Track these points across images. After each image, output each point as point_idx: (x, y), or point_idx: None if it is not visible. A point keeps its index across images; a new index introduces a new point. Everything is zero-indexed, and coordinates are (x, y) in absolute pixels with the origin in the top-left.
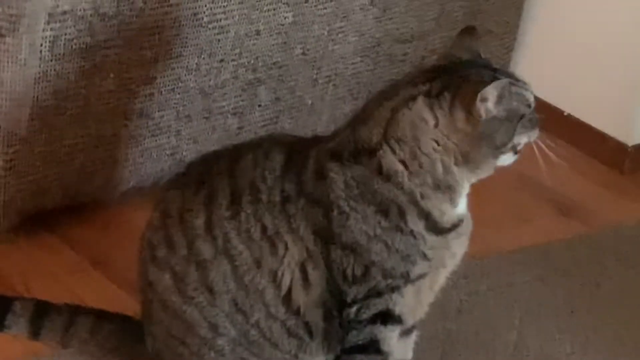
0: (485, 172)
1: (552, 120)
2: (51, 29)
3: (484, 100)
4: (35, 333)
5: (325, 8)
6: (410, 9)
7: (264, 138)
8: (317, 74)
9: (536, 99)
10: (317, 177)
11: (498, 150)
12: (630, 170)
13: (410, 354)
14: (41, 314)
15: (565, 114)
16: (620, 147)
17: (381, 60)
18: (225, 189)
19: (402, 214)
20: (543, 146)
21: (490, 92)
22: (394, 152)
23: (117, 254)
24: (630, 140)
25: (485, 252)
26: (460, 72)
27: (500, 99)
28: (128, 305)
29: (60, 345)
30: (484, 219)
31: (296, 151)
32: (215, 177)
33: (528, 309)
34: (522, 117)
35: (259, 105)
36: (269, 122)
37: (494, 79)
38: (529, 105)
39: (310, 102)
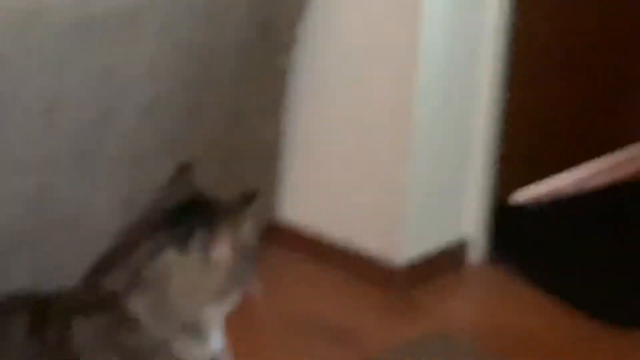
0: (236, 299)
1: (319, 250)
2: None
3: (245, 228)
4: None
5: None
6: None
7: (9, 298)
8: None
9: (302, 230)
10: (61, 335)
11: (245, 277)
12: (399, 289)
13: None
14: None
15: (331, 242)
16: (387, 268)
17: None
18: None
19: None
20: None
21: (249, 218)
22: (139, 300)
23: None
24: (398, 260)
25: None
26: (200, 210)
27: (251, 227)
28: None
29: None
30: None
31: (39, 311)
32: None
33: None
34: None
35: None
36: None
37: (240, 209)
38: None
39: None
